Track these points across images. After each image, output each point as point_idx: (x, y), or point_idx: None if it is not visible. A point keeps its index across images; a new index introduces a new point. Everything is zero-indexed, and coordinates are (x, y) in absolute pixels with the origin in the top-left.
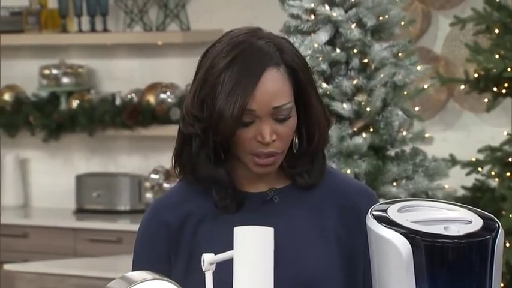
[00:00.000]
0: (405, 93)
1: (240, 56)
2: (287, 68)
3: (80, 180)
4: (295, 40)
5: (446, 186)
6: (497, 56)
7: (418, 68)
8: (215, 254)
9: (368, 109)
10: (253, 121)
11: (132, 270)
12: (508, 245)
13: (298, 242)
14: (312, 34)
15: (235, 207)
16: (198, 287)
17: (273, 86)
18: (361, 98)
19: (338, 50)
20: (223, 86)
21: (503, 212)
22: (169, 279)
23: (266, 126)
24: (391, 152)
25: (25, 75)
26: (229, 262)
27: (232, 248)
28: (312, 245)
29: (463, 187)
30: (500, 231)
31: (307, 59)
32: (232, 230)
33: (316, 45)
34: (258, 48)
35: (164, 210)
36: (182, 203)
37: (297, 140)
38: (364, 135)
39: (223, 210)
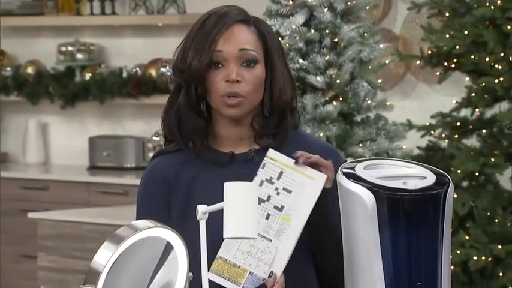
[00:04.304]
0: (369, 67)
1: (214, 14)
2: (257, 31)
3: (93, 141)
4: (275, 22)
5: (404, 147)
6: (447, 36)
7: (381, 46)
8: (208, 205)
9: (338, 81)
10: (222, 65)
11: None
12: (456, 196)
13: None
14: (290, 17)
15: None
16: (191, 234)
17: (240, 34)
18: (332, 71)
19: (312, 31)
20: (198, 36)
21: (452, 169)
22: (168, 227)
23: (232, 67)
24: (358, 118)
25: (45, 51)
26: (218, 212)
27: (222, 200)
28: None
29: (418, 147)
30: (450, 185)
31: (286, 38)
32: (222, 184)
33: (293, 27)
34: (232, 9)
35: (161, 168)
36: (177, 161)
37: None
38: (334, 103)
39: (202, 156)
